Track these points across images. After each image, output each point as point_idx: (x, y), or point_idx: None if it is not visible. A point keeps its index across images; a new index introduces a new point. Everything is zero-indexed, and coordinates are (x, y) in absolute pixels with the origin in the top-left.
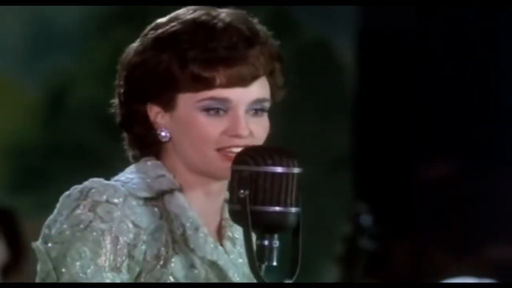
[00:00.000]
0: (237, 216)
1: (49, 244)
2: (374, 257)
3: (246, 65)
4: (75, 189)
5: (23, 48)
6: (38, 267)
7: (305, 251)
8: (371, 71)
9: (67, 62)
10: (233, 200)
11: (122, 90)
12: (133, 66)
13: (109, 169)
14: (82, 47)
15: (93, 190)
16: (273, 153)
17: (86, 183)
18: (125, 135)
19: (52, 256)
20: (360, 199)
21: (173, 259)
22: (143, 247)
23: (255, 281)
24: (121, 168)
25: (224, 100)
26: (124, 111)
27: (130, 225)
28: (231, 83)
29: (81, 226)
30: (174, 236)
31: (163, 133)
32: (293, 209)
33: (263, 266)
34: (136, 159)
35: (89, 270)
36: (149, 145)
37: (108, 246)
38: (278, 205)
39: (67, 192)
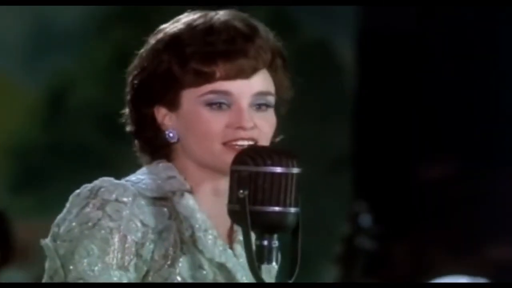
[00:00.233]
0: (237, 216)
1: (58, 242)
2: (373, 256)
3: (245, 58)
4: (85, 187)
5: (23, 48)
6: (46, 264)
7: (304, 251)
8: (371, 71)
9: (67, 62)
10: (233, 200)
11: (129, 97)
12: (136, 71)
13: (109, 169)
14: (82, 47)
15: (102, 189)
16: (272, 153)
17: (96, 182)
18: (135, 141)
19: (60, 253)
20: (360, 199)
21: (180, 259)
22: (151, 246)
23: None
24: (121, 168)
25: (225, 93)
26: (133, 117)
27: (139, 224)
28: (231, 76)
29: (90, 224)
30: (183, 236)
31: (171, 134)
32: (293, 209)
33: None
34: (148, 163)
35: (96, 268)
36: (159, 148)
37: (116, 244)
38: (277, 205)
39: (77, 191)
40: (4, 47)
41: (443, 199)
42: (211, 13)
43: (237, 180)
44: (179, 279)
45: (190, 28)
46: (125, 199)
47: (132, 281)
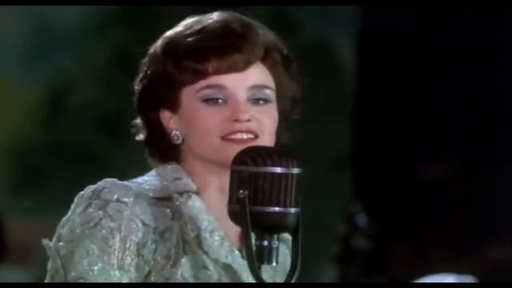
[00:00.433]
0: (237, 216)
1: (61, 243)
2: (372, 256)
3: (238, 52)
4: (89, 189)
5: (23, 48)
6: (49, 265)
7: (304, 251)
8: (371, 71)
9: (67, 62)
10: (233, 201)
11: (135, 104)
12: (139, 78)
13: (109, 169)
14: (82, 47)
15: (105, 190)
16: (272, 153)
17: (100, 183)
18: (146, 148)
19: (61, 253)
20: (360, 199)
21: (183, 260)
22: (153, 246)
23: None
24: (121, 168)
25: (220, 87)
26: (142, 124)
27: (140, 224)
28: (223, 70)
29: (91, 224)
30: (186, 237)
31: (175, 137)
32: (293, 210)
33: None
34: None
35: (96, 268)
36: (168, 151)
37: (117, 244)
38: (277, 205)
39: (81, 192)
40: (4, 47)
41: (443, 199)
42: (206, 15)
43: (237, 180)
44: (180, 279)
45: (184, 29)
46: (126, 199)
47: (133, 281)
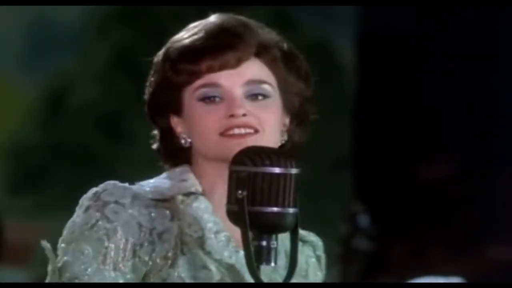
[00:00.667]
0: (235, 217)
1: (62, 245)
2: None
3: (229, 50)
4: (91, 191)
5: (23, 48)
6: (49, 267)
7: None
8: (371, 71)
9: (67, 62)
10: (231, 201)
11: (146, 112)
12: (146, 87)
13: (109, 169)
14: (82, 47)
15: (105, 192)
16: (271, 153)
17: (101, 185)
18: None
19: (59, 255)
20: (359, 199)
21: (180, 260)
22: (150, 247)
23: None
24: (121, 168)
25: (216, 85)
26: (157, 131)
27: (136, 225)
28: (217, 68)
29: (88, 225)
30: (186, 238)
31: (183, 140)
32: (291, 210)
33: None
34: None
35: (90, 269)
36: (179, 156)
37: (112, 245)
38: (276, 205)
39: (85, 195)
40: (4, 47)
41: (443, 199)
42: (207, 18)
43: (236, 180)
44: (177, 279)
45: (183, 34)
46: (123, 201)
47: (130, 282)
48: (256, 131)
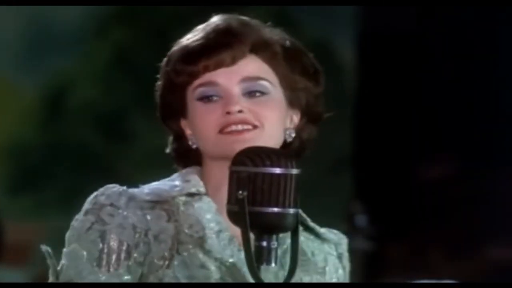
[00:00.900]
0: (236, 217)
1: (64, 248)
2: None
3: (224, 48)
4: (92, 194)
5: (22, 48)
6: (50, 271)
7: None
8: (371, 71)
9: (67, 62)
10: (232, 201)
11: (158, 115)
12: (155, 91)
13: (108, 170)
14: (82, 47)
15: (103, 195)
16: (271, 154)
17: (101, 189)
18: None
19: (52, 257)
20: (360, 200)
21: (175, 260)
22: (145, 248)
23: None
24: (120, 169)
25: (212, 84)
26: (171, 136)
27: (131, 227)
28: (212, 67)
29: (84, 228)
30: (183, 238)
31: (191, 142)
32: (291, 210)
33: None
34: None
35: (85, 272)
36: (189, 158)
37: (106, 248)
38: (276, 206)
39: (88, 198)
40: (4, 47)
41: (443, 199)
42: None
43: (236, 181)
44: (172, 279)
45: (185, 37)
46: (118, 204)
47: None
48: (255, 126)
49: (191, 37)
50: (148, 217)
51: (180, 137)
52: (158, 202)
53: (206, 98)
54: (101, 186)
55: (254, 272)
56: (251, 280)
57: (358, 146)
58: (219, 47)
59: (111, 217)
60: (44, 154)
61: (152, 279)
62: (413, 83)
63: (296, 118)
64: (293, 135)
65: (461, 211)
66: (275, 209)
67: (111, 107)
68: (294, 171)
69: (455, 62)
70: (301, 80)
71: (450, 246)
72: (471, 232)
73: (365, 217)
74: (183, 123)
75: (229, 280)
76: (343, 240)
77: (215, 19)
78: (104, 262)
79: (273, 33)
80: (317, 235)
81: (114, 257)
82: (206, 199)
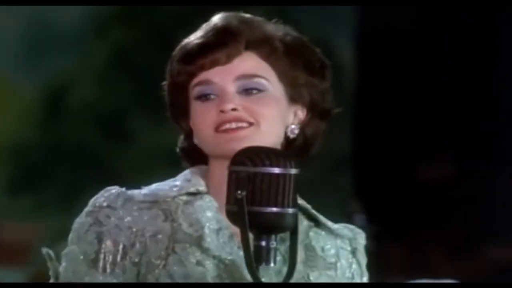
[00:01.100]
0: (235, 217)
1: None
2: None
3: (219, 46)
4: (93, 197)
5: (22, 48)
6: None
7: None
8: (371, 71)
9: (66, 62)
10: (231, 201)
11: (169, 115)
12: (164, 92)
13: (108, 170)
14: (82, 47)
15: (101, 197)
16: (270, 154)
17: (101, 191)
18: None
19: (53, 259)
20: (359, 199)
21: (171, 259)
22: (141, 248)
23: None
24: (120, 169)
25: (208, 83)
26: (183, 136)
27: (127, 228)
28: (208, 65)
29: (82, 230)
30: (180, 236)
31: (196, 140)
32: (290, 210)
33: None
34: None
35: (82, 273)
36: (195, 156)
37: (102, 249)
38: (275, 206)
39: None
40: (3, 47)
41: (443, 199)
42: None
43: (235, 180)
44: (168, 279)
45: (188, 38)
46: (115, 205)
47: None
48: (250, 124)
49: (192, 37)
50: (145, 217)
51: (189, 135)
52: (156, 202)
53: (203, 97)
54: (101, 186)
55: (253, 272)
56: (249, 278)
57: (357, 145)
58: (215, 45)
59: (108, 218)
60: (44, 154)
61: (150, 278)
62: (413, 83)
63: (301, 113)
64: (297, 131)
65: (461, 211)
66: (274, 209)
67: (111, 107)
68: (293, 171)
69: (455, 62)
70: (303, 76)
71: (450, 246)
72: (471, 232)
73: (365, 216)
74: (191, 122)
75: (226, 278)
76: (359, 235)
77: (216, 18)
78: (100, 263)
79: (275, 29)
80: (330, 231)
81: (110, 258)
82: (207, 198)
